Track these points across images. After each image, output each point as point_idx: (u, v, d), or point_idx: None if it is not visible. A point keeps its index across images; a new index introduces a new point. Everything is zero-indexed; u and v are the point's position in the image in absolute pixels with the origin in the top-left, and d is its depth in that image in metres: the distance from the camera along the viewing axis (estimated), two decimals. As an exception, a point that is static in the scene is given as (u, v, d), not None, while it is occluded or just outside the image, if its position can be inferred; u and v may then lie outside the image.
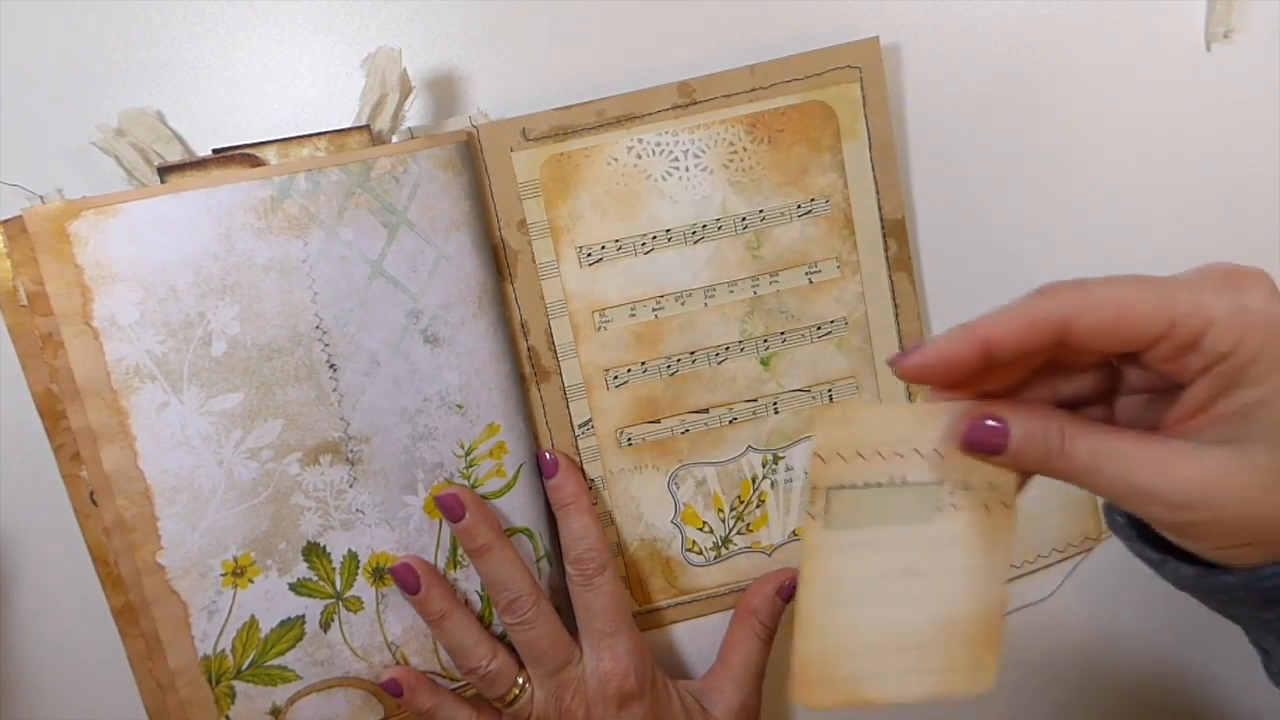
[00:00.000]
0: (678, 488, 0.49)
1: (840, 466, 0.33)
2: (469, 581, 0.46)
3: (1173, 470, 0.30)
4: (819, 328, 0.48)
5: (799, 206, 0.47)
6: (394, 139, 0.44)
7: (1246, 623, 0.34)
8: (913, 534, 0.33)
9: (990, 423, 0.32)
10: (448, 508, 0.45)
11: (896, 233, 0.48)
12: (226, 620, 0.44)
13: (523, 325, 0.47)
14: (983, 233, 0.49)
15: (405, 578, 0.45)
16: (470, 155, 0.45)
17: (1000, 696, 0.53)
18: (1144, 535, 0.34)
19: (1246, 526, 0.29)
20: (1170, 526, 0.31)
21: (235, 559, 0.43)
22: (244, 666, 0.44)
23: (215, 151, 0.42)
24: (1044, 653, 0.53)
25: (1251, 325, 0.28)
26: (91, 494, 0.42)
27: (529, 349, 0.47)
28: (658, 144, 0.46)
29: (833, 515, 0.33)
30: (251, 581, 0.44)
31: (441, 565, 0.46)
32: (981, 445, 0.32)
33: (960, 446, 0.32)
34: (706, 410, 0.48)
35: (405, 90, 0.44)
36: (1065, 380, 0.34)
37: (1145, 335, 0.29)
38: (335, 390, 0.43)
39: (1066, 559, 0.52)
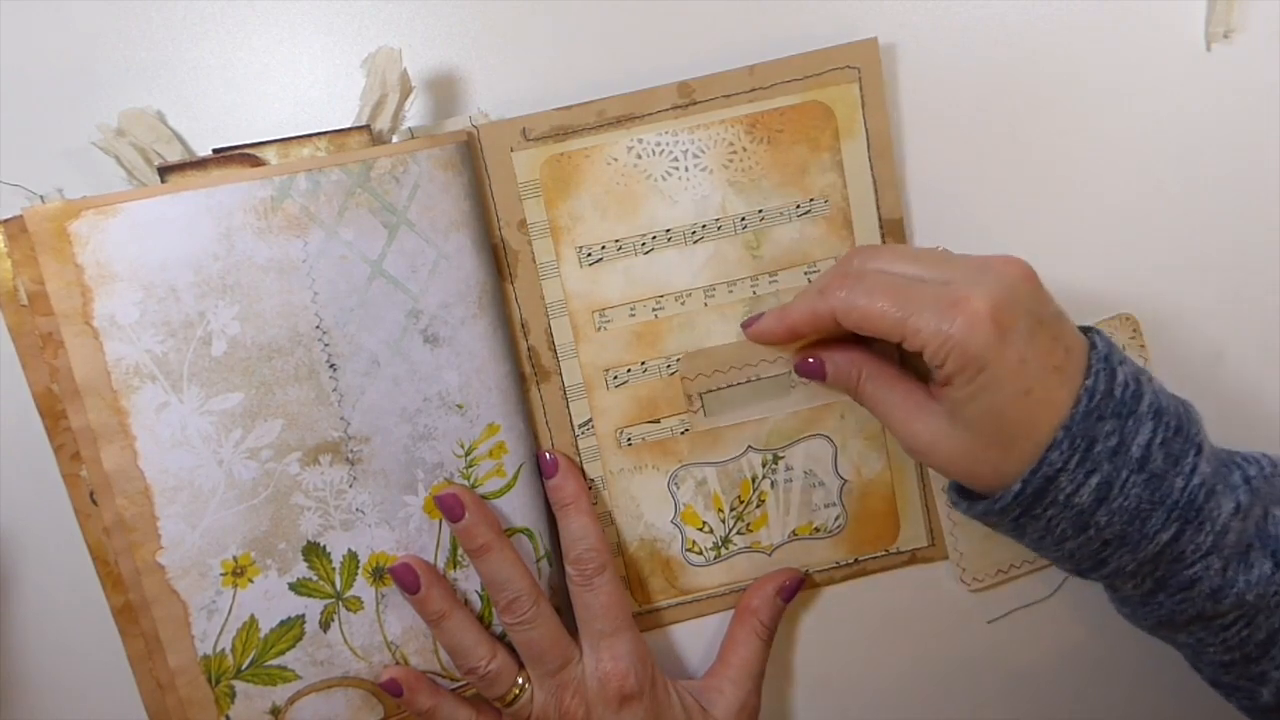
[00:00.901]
0: (678, 488, 0.49)
1: (704, 380, 0.48)
2: (469, 581, 0.46)
3: (913, 426, 0.42)
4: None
5: (798, 206, 0.47)
6: (394, 139, 0.44)
7: (1035, 548, 0.43)
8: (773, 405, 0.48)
9: (810, 360, 0.45)
10: (448, 508, 0.45)
11: (895, 232, 0.48)
12: (226, 620, 0.44)
13: (523, 325, 0.47)
14: (981, 233, 0.49)
15: (405, 578, 0.45)
16: (470, 155, 0.45)
17: (996, 695, 0.53)
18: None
19: (961, 475, 0.41)
20: (919, 458, 0.43)
21: (235, 559, 0.43)
22: (244, 666, 0.44)
23: (215, 151, 0.42)
24: (1042, 651, 0.53)
25: (951, 351, 0.38)
26: (91, 494, 0.43)
27: (529, 349, 0.47)
28: (658, 144, 0.46)
29: (707, 409, 0.48)
30: (251, 581, 0.44)
31: (441, 565, 0.46)
32: (807, 374, 0.46)
33: (797, 372, 0.46)
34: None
35: (405, 90, 0.44)
36: None
37: (889, 338, 0.40)
38: (335, 390, 0.43)
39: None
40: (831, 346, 0.45)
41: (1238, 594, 0.39)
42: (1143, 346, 0.50)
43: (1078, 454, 0.38)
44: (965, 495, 0.43)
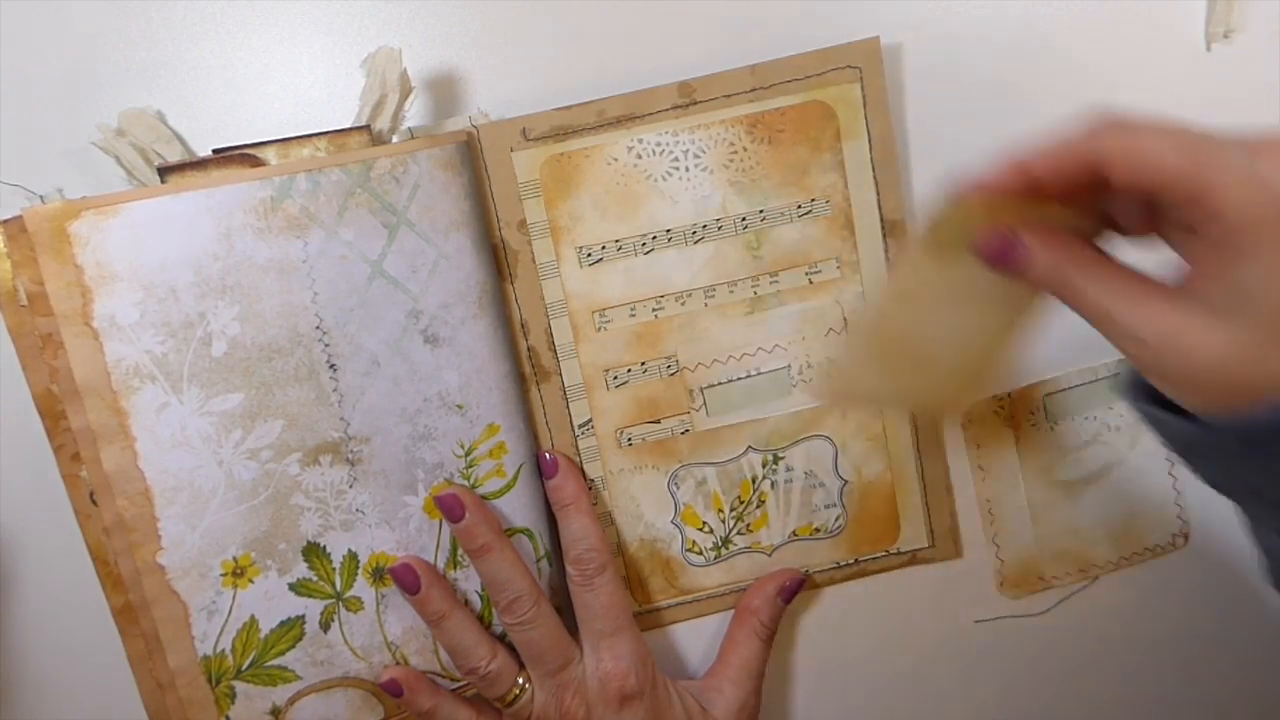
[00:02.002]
0: (678, 488, 0.49)
1: (704, 372, 0.46)
2: (469, 581, 0.46)
3: (1152, 315, 0.33)
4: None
5: (799, 207, 0.47)
6: (394, 139, 0.44)
7: (1244, 499, 0.36)
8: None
9: (1004, 237, 0.35)
10: (448, 508, 0.45)
11: (896, 233, 0.48)
12: (226, 620, 0.44)
13: (523, 325, 0.47)
14: (983, 233, 0.49)
15: (405, 578, 0.45)
16: (470, 155, 0.45)
17: (996, 696, 0.54)
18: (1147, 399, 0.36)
19: (1215, 378, 0.32)
20: (1137, 360, 0.34)
21: (235, 559, 0.43)
22: (244, 666, 0.44)
23: (215, 151, 0.42)
24: (1041, 655, 0.53)
25: (1257, 199, 0.30)
26: (91, 494, 0.42)
27: (529, 349, 0.47)
28: (658, 144, 0.46)
29: (709, 406, 0.46)
30: (251, 581, 0.44)
31: (441, 565, 0.46)
32: (999, 257, 0.35)
33: (980, 255, 0.36)
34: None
35: (405, 90, 0.44)
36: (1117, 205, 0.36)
37: (1168, 190, 0.31)
38: (335, 390, 0.43)
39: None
40: (1037, 228, 0.35)
41: None
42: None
43: None
44: (1176, 411, 0.34)
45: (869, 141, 0.47)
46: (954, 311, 0.38)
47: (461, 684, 0.47)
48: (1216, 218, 0.31)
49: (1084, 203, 0.35)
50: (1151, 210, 0.34)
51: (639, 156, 0.46)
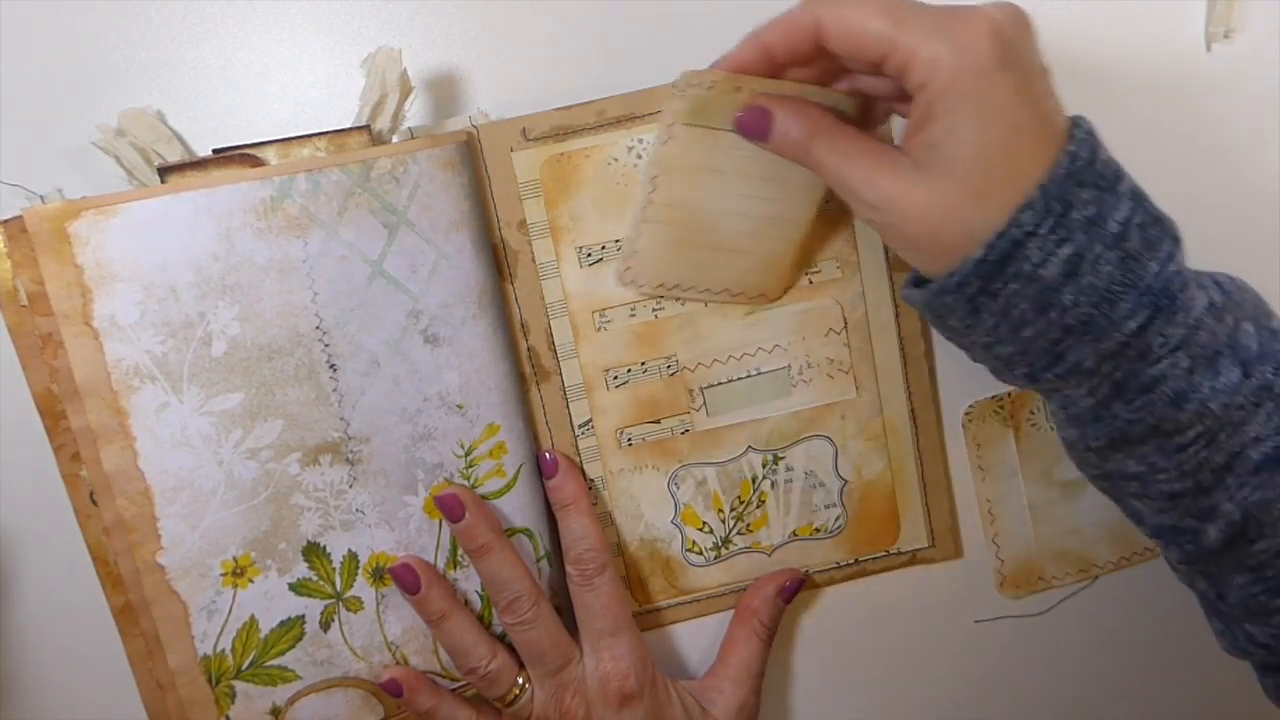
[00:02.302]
0: (678, 488, 0.49)
1: (704, 372, 0.46)
2: (469, 581, 0.46)
3: (874, 178, 0.36)
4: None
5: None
6: (394, 139, 0.44)
7: (976, 355, 0.39)
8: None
9: (754, 109, 0.39)
10: (448, 508, 0.45)
11: (896, 233, 0.48)
12: (226, 620, 0.44)
13: (523, 325, 0.47)
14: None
15: (405, 578, 0.45)
16: (470, 155, 0.45)
17: (996, 696, 0.54)
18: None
19: (925, 233, 0.36)
20: (873, 225, 0.38)
21: (235, 559, 0.43)
22: (244, 666, 0.44)
23: (215, 151, 0.42)
24: (1040, 656, 0.53)
25: (943, 67, 0.34)
26: (91, 494, 0.43)
27: (529, 349, 0.47)
28: (658, 144, 0.46)
29: (709, 406, 0.46)
30: (251, 581, 0.44)
31: (441, 565, 0.46)
32: (751, 128, 0.40)
33: (737, 129, 0.40)
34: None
35: (405, 90, 0.44)
36: (868, 82, 0.40)
37: (872, 54, 0.35)
38: (335, 390, 0.43)
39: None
40: (785, 100, 0.39)
41: (1201, 401, 0.36)
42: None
43: (1052, 218, 0.34)
44: (918, 285, 0.39)
45: (869, 141, 0.47)
46: (732, 189, 0.41)
47: (461, 684, 0.47)
48: (915, 79, 0.34)
49: (830, 78, 0.40)
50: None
51: (639, 156, 0.46)
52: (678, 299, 0.47)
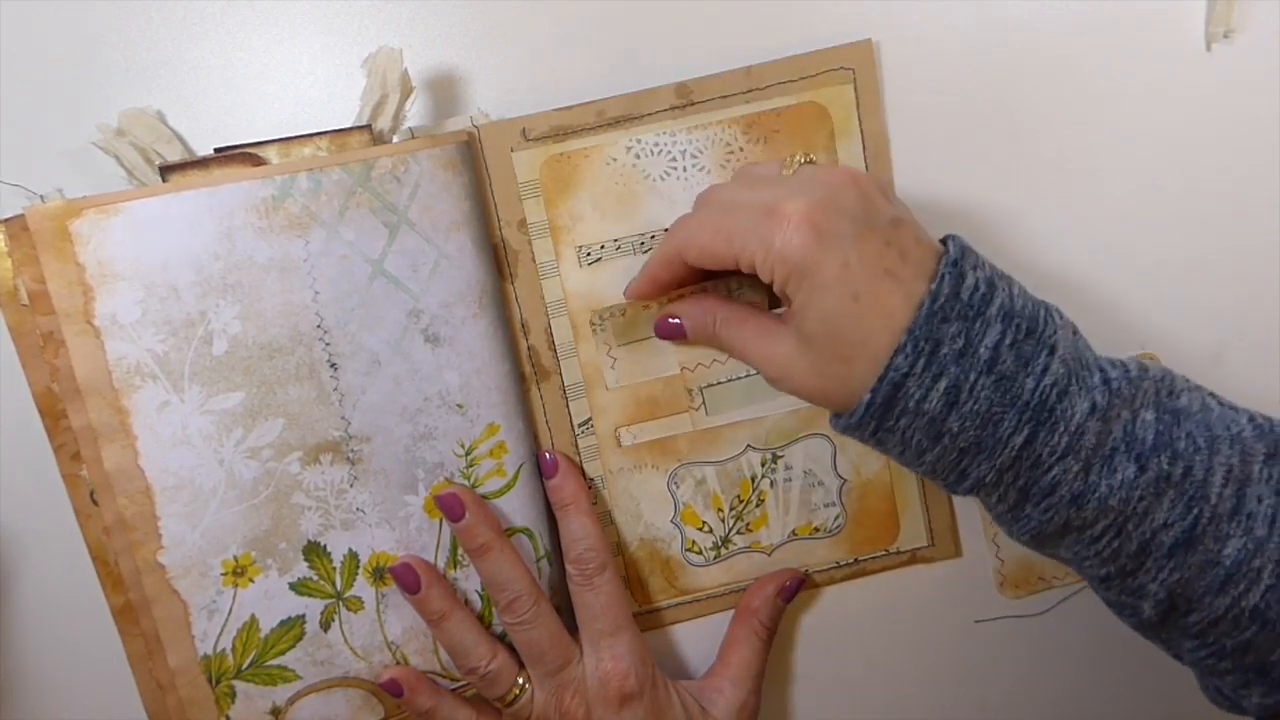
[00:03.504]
0: (677, 487, 0.49)
1: (704, 371, 0.48)
2: (469, 581, 0.46)
3: (767, 353, 0.42)
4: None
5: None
6: (395, 139, 0.45)
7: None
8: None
9: (671, 320, 0.46)
10: (448, 507, 0.45)
11: (896, 232, 0.48)
12: (227, 620, 0.44)
13: (523, 325, 0.47)
14: (979, 233, 0.49)
15: (405, 578, 0.45)
16: (470, 155, 0.45)
17: (997, 696, 0.54)
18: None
19: (815, 396, 0.41)
20: (777, 388, 0.43)
21: (235, 558, 0.43)
22: (244, 666, 0.44)
23: (216, 151, 0.42)
24: (1040, 657, 0.53)
25: (774, 261, 0.38)
26: (92, 493, 0.43)
27: (529, 349, 0.47)
28: (656, 144, 0.46)
29: (709, 406, 0.48)
30: (252, 581, 0.44)
31: (441, 565, 0.46)
32: (669, 335, 0.46)
33: (656, 334, 0.47)
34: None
35: (406, 90, 0.44)
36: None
37: (727, 263, 0.40)
38: (336, 390, 0.43)
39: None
40: (687, 300, 0.46)
41: (1100, 499, 0.38)
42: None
43: (923, 358, 0.37)
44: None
45: (862, 142, 0.47)
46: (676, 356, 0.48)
47: (461, 684, 0.47)
48: (763, 276, 0.40)
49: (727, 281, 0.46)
50: None
51: (637, 156, 0.46)
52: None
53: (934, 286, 0.38)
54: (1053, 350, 0.38)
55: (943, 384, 0.37)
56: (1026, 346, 0.38)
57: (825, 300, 0.38)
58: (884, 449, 0.41)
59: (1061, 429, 0.37)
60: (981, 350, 0.37)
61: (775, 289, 0.40)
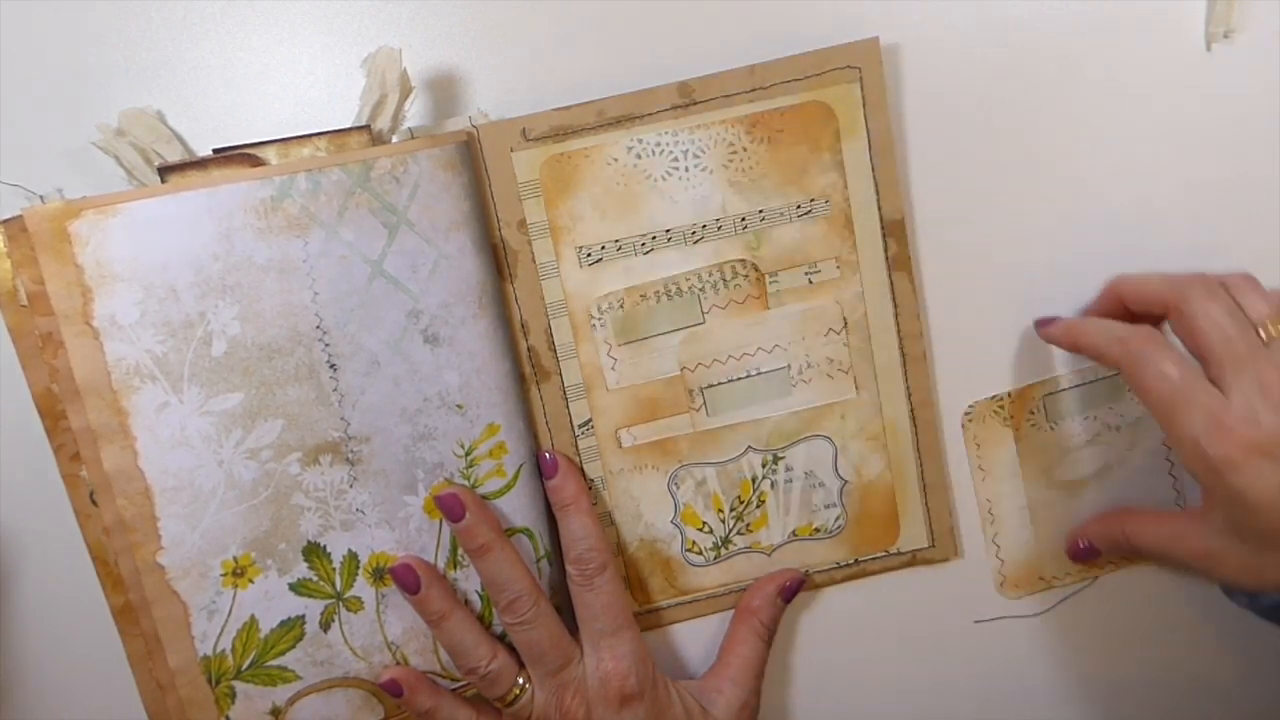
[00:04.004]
0: (677, 488, 0.49)
1: (704, 372, 0.47)
2: (469, 581, 0.46)
3: (1194, 551, 0.44)
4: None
5: (799, 207, 0.47)
6: (394, 139, 0.44)
7: None
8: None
9: (1080, 546, 0.51)
10: (448, 508, 0.45)
11: (896, 233, 0.48)
12: (226, 620, 0.44)
13: (523, 325, 0.47)
14: (982, 233, 0.49)
15: (405, 578, 0.45)
16: (470, 155, 0.45)
17: (997, 696, 0.54)
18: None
19: (1251, 584, 0.43)
20: (1198, 573, 0.45)
21: (235, 559, 0.43)
22: (244, 667, 0.44)
23: (215, 151, 0.42)
24: (1041, 657, 0.53)
25: (1207, 476, 0.41)
26: (91, 494, 0.43)
27: (529, 349, 0.47)
28: (657, 144, 0.46)
29: (709, 406, 0.48)
30: (251, 581, 0.44)
31: (441, 565, 0.46)
32: (1083, 559, 0.51)
33: (1072, 559, 0.51)
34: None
35: (405, 90, 0.44)
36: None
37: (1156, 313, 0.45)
38: (335, 390, 0.43)
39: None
40: (1092, 523, 0.50)
41: None
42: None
43: None
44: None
45: (868, 141, 0.47)
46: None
47: (461, 684, 0.47)
48: (1187, 465, 0.42)
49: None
50: None
51: (639, 156, 0.46)
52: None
53: None
54: None
55: None
56: None
57: (1263, 516, 0.40)
58: None
59: None
60: None
61: (1189, 471, 0.42)
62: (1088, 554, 0.50)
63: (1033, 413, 0.51)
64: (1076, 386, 0.51)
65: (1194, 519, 0.44)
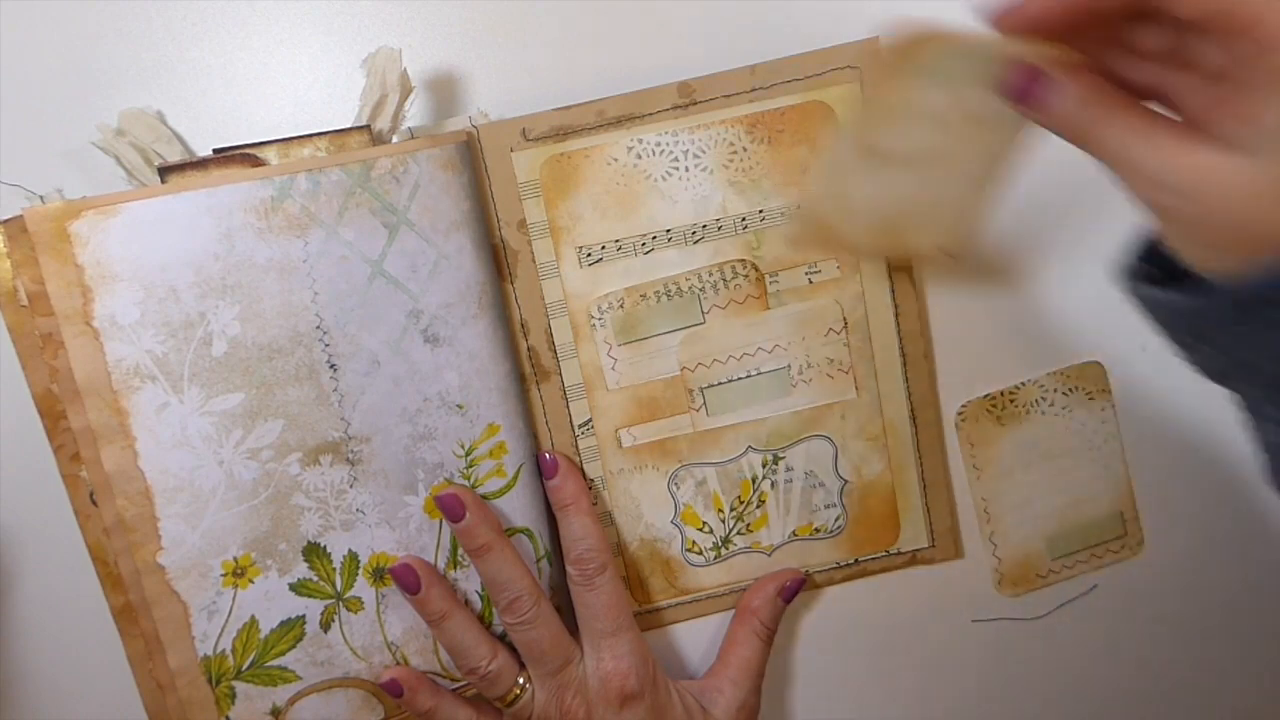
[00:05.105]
0: (678, 488, 0.49)
1: (704, 372, 0.46)
2: (469, 581, 0.46)
3: (1178, 159, 0.31)
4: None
5: (799, 207, 0.47)
6: (394, 139, 0.44)
7: (1241, 382, 0.34)
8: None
9: (1026, 72, 0.33)
10: (448, 508, 0.45)
11: (896, 233, 0.48)
12: (227, 620, 0.44)
13: (523, 325, 0.47)
14: (982, 233, 0.49)
15: (405, 578, 0.45)
16: (470, 155, 0.45)
17: (997, 696, 0.54)
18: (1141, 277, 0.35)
19: (1229, 225, 0.30)
20: (1162, 213, 0.32)
21: (235, 559, 0.43)
22: (244, 667, 0.44)
23: (215, 151, 0.42)
24: (1041, 656, 0.53)
25: None
26: (91, 494, 0.42)
27: (529, 349, 0.47)
28: (658, 144, 0.46)
29: (709, 406, 0.46)
30: (252, 582, 0.44)
31: (441, 565, 0.46)
32: (1020, 93, 0.34)
33: (1000, 92, 0.34)
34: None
35: (405, 90, 0.44)
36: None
37: (1215, 19, 0.29)
38: (335, 390, 0.43)
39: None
40: (1052, 64, 0.34)
41: None
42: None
43: None
44: (1171, 279, 0.34)
45: (869, 141, 0.47)
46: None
47: (461, 684, 0.47)
48: (1258, 51, 0.29)
49: (1100, 46, 0.34)
50: (1168, 58, 0.33)
51: (639, 156, 0.46)
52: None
53: None
54: None
55: None
56: None
57: None
58: (1247, 338, 0.32)
59: None
60: None
61: (1244, 68, 0.30)
62: (1029, 95, 0.34)
63: (897, 62, 0.39)
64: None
65: (1196, 130, 0.31)
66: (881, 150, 0.39)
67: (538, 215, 0.46)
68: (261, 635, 0.44)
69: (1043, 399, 0.51)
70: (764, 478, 0.49)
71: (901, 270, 0.48)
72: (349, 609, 0.45)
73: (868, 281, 0.48)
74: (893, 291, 0.48)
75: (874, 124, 0.39)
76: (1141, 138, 0.32)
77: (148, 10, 0.45)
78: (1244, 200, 0.30)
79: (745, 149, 0.46)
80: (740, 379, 0.48)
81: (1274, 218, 0.30)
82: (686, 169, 0.46)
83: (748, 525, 0.50)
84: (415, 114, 0.45)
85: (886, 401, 0.49)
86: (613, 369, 0.48)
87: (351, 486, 0.44)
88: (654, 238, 0.47)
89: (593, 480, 0.49)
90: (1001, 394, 0.51)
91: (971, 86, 0.36)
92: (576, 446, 0.48)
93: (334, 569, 0.44)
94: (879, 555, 0.51)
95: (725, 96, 0.46)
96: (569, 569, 0.46)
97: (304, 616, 0.44)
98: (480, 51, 0.46)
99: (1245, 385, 0.34)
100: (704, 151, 0.46)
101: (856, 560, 0.51)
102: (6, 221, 0.41)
